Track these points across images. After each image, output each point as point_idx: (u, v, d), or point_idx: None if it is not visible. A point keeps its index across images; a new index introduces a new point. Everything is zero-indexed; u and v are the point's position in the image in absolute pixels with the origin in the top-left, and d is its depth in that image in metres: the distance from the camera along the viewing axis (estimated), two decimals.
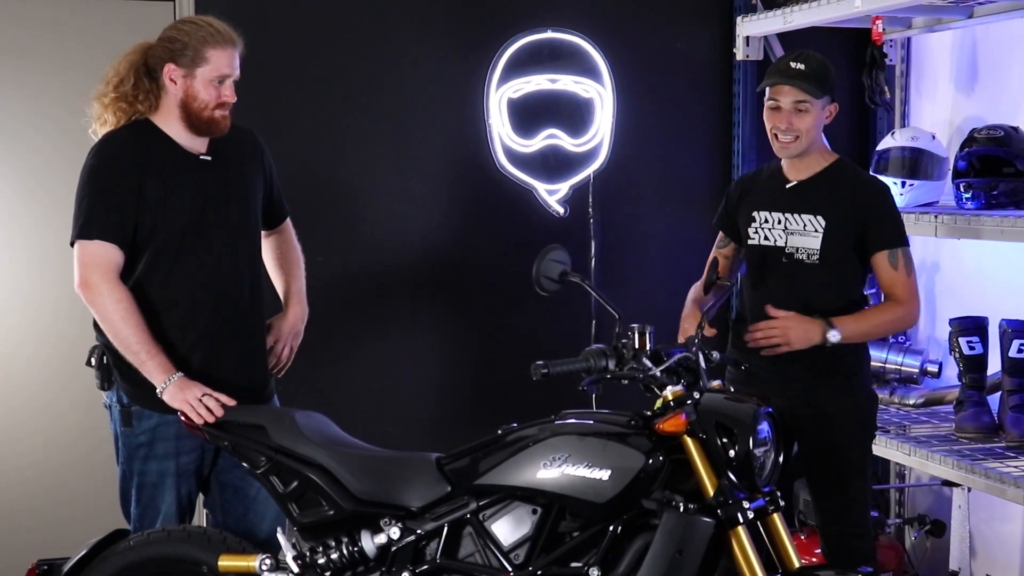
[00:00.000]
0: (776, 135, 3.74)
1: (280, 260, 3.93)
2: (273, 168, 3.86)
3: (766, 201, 3.82)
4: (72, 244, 3.57)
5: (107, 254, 3.52)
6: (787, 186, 3.81)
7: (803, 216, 3.75)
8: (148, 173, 3.55)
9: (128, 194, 3.52)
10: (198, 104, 3.56)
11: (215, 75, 3.56)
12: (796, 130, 3.70)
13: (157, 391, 3.49)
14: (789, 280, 3.75)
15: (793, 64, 3.72)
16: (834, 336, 3.61)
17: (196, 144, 3.64)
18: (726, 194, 4.02)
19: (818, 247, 3.72)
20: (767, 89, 3.77)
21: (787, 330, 3.63)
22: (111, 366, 3.59)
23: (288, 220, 3.97)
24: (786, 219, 3.77)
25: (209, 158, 3.65)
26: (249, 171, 3.75)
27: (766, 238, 3.80)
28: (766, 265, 3.80)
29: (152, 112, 3.62)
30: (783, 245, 3.77)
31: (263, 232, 3.87)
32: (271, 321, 3.86)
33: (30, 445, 4.82)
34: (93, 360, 3.64)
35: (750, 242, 3.85)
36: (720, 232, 4.02)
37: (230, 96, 3.60)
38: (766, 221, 3.81)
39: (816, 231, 3.72)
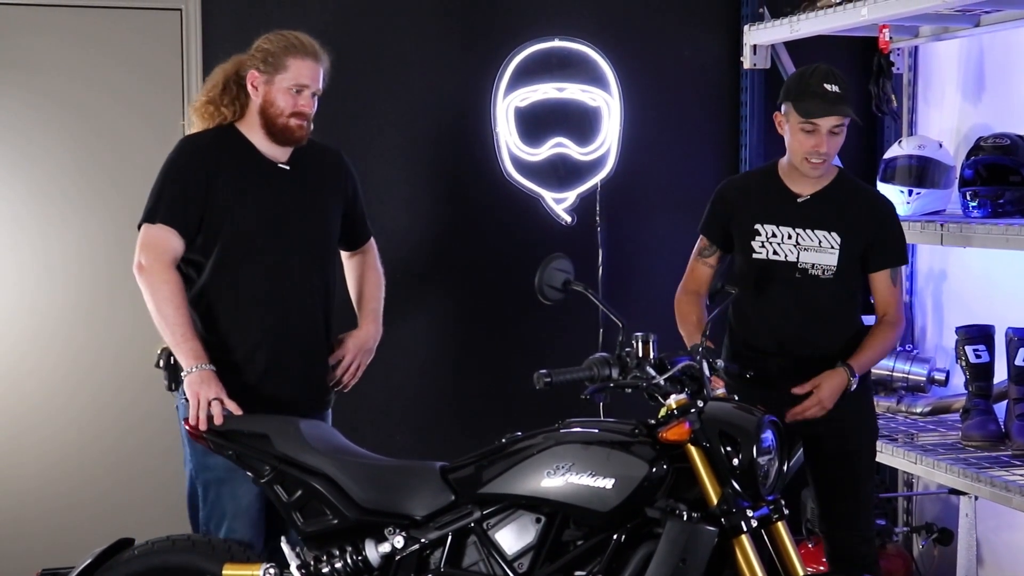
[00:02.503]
0: (808, 159, 3.72)
1: (359, 279, 4.03)
2: (358, 190, 3.94)
3: (773, 215, 3.81)
4: (139, 228, 3.66)
5: (166, 238, 3.61)
6: (798, 200, 3.80)
7: (817, 232, 3.76)
8: (221, 171, 3.66)
9: (196, 186, 3.63)
10: (274, 110, 3.67)
11: (293, 83, 3.67)
12: (828, 153, 3.73)
13: (183, 374, 3.54)
14: (798, 293, 3.77)
15: (828, 87, 3.69)
16: (855, 383, 3.70)
17: (277, 153, 3.73)
18: (713, 200, 3.96)
19: (835, 263, 3.75)
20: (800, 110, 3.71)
21: (822, 400, 3.67)
22: (177, 366, 3.63)
23: (372, 241, 4.05)
24: (798, 234, 3.77)
25: (288, 168, 3.74)
26: (328, 187, 3.83)
27: (775, 252, 3.80)
28: (774, 279, 3.79)
29: (238, 119, 3.74)
30: (795, 260, 3.77)
31: (346, 253, 3.99)
32: (343, 336, 3.92)
33: (34, 453, 4.82)
34: (161, 362, 3.70)
35: (756, 256, 3.82)
36: (703, 238, 3.96)
37: (306, 106, 3.69)
38: (774, 235, 3.80)
39: (832, 247, 3.75)
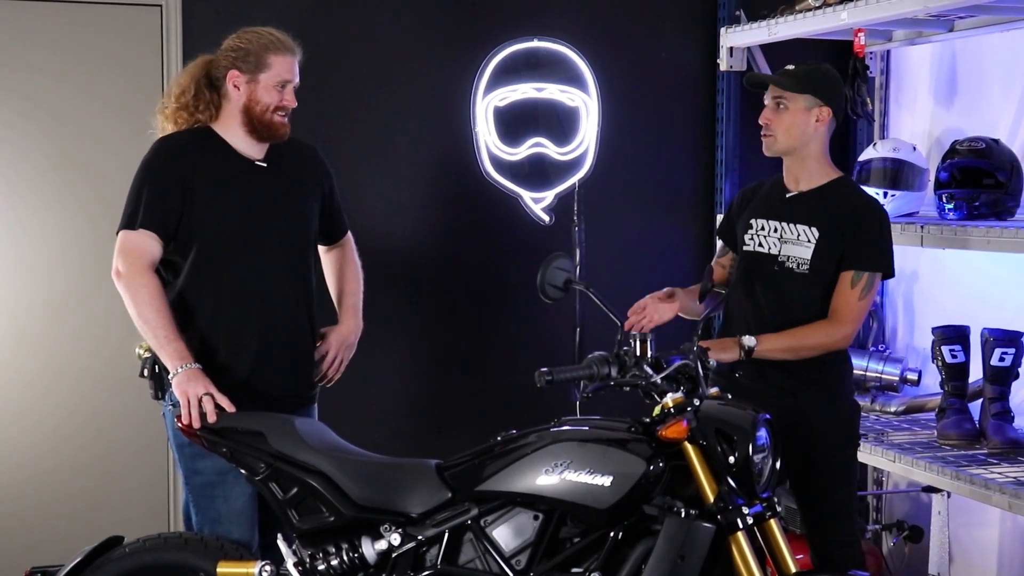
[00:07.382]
0: (762, 134, 3.84)
1: (338, 274, 4.04)
2: (333, 185, 3.96)
3: (765, 209, 3.87)
4: (117, 233, 3.64)
5: (144, 243, 3.60)
6: (786, 195, 3.85)
7: (798, 226, 3.77)
8: (199, 172, 3.65)
9: (174, 189, 3.62)
10: (260, 108, 3.68)
11: (277, 80, 3.69)
12: (773, 128, 3.78)
13: (169, 376, 3.53)
14: (778, 288, 3.79)
15: (787, 67, 3.84)
16: (749, 341, 3.63)
17: (253, 151, 3.74)
18: (729, 204, 4.07)
19: (808, 257, 3.74)
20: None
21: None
22: (162, 374, 3.62)
23: (349, 235, 4.07)
24: (782, 227, 3.81)
25: (264, 165, 3.74)
26: (304, 182, 3.85)
27: (760, 245, 3.84)
28: (756, 272, 3.82)
29: (213, 121, 3.73)
30: (776, 253, 3.80)
31: (324, 247, 3.99)
32: (325, 331, 3.93)
33: (13, 451, 4.77)
34: (146, 371, 3.69)
35: (745, 248, 3.88)
36: (720, 242, 4.08)
37: (290, 101, 3.73)
38: (762, 228, 3.85)
39: (809, 241, 3.75)
